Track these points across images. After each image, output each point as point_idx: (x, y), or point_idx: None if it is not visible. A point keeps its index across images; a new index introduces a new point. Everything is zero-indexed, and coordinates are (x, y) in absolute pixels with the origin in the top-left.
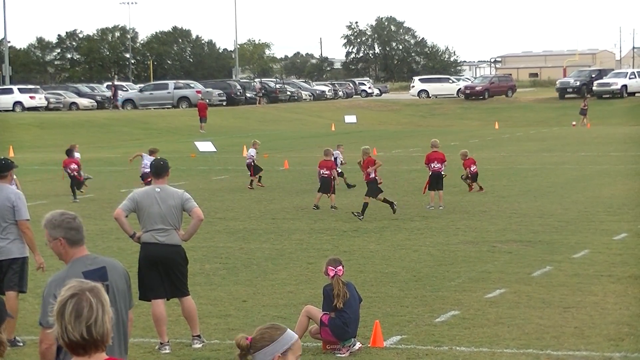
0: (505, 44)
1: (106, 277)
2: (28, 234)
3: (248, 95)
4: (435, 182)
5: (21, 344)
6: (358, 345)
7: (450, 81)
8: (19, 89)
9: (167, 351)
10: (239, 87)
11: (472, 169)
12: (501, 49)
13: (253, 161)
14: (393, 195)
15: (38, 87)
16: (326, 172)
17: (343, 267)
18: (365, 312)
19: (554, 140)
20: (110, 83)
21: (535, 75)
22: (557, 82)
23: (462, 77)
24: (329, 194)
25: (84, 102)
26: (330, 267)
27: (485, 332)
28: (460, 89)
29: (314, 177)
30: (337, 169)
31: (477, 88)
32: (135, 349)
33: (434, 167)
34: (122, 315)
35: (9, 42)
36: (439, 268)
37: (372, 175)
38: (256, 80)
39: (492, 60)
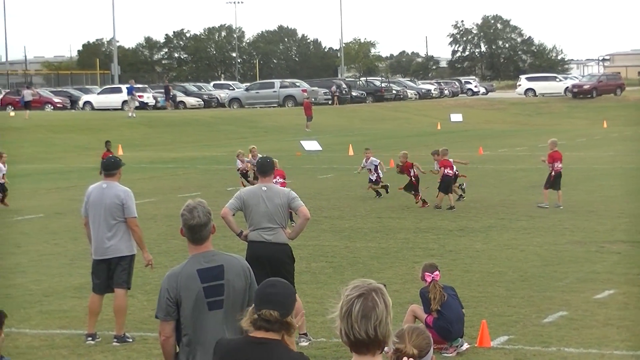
0: (613, 42)
1: (222, 277)
2: (137, 232)
3: (353, 94)
4: (557, 181)
5: (130, 340)
6: (465, 345)
7: (558, 80)
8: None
9: None
10: (344, 85)
11: (446, 171)
12: (609, 47)
13: None
14: (499, 195)
15: (146, 86)
16: (449, 172)
17: (439, 271)
18: (472, 312)
19: None
20: (165, 83)
21: None
22: None
23: (569, 76)
24: (448, 193)
25: (191, 100)
26: (427, 273)
27: (594, 333)
28: (567, 87)
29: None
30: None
31: (585, 86)
32: None
33: (557, 166)
34: (236, 314)
35: (118, 41)
36: (546, 268)
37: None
38: (336, 80)
39: (601, 58)
